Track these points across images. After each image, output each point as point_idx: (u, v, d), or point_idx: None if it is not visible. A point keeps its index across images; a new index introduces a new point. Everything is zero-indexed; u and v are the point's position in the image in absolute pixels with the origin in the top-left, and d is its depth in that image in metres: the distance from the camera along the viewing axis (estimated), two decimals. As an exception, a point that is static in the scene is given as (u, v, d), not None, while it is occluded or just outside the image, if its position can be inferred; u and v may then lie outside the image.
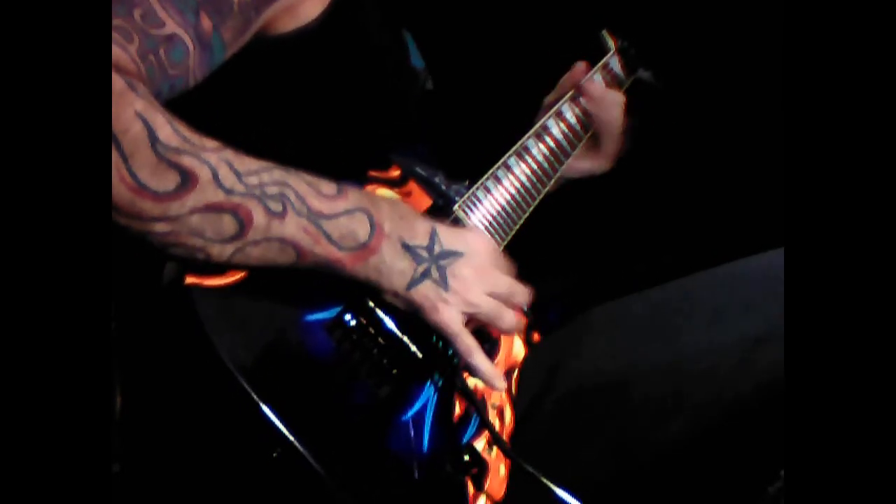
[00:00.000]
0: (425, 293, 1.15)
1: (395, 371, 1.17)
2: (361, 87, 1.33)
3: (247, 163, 1.03)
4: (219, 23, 1.09)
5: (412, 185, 1.32)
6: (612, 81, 1.66)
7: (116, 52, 0.99)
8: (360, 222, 1.09)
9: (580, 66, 1.60)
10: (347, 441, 1.10)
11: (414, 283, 1.14)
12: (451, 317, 1.16)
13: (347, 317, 1.16)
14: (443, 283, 1.15)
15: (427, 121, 1.50)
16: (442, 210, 1.31)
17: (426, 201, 1.31)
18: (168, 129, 0.98)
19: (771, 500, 1.34)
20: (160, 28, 1.04)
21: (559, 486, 1.15)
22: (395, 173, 1.31)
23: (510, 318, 1.22)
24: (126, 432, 1.10)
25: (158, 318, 1.09)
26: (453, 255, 1.16)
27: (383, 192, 1.27)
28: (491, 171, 1.41)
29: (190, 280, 1.06)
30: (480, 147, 1.47)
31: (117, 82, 0.96)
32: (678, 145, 1.95)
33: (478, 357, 1.19)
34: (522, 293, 1.24)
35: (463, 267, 1.17)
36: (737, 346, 1.30)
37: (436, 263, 1.15)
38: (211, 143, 1.01)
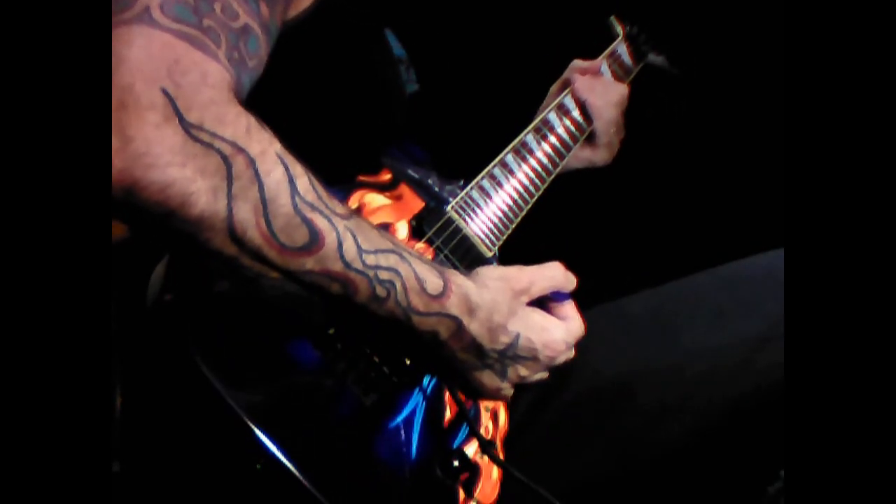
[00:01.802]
0: (480, 379, 1.17)
1: (382, 378, 1.16)
2: (348, 79, 1.31)
3: (370, 239, 1.02)
4: (272, 7, 1.07)
5: (403, 189, 1.31)
6: (620, 69, 1.63)
7: (212, 66, 0.94)
8: (446, 326, 1.10)
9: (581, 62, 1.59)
10: (335, 450, 1.09)
11: (473, 369, 1.16)
12: (498, 396, 1.20)
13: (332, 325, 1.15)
14: (502, 375, 1.17)
15: (420, 119, 1.48)
16: (434, 212, 1.30)
17: (418, 204, 1.30)
18: (306, 181, 0.97)
19: (771, 500, 1.34)
20: (237, 20, 1.00)
21: (549, 491, 1.15)
22: (386, 177, 1.30)
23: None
24: (126, 432, 1.10)
25: (144, 334, 1.09)
26: (523, 357, 1.16)
27: (372, 197, 1.26)
28: (486, 170, 1.39)
29: (173, 295, 1.05)
30: (477, 145, 1.45)
31: (249, 119, 0.94)
32: (679, 145, 1.95)
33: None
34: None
35: (527, 367, 1.18)
36: (737, 347, 1.29)
37: (502, 362, 1.16)
38: (341, 208, 1.01)
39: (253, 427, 1.01)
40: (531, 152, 1.45)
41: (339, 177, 1.23)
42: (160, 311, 1.04)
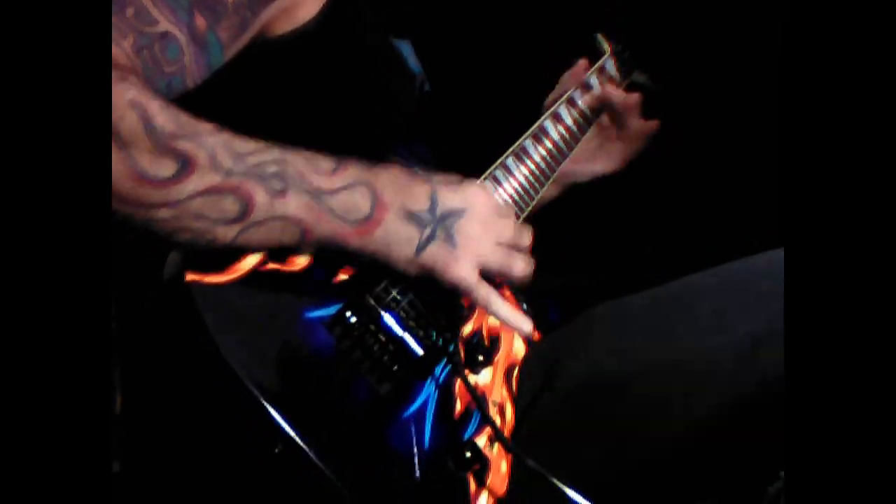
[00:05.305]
0: (435, 254, 1.15)
1: (395, 368, 1.18)
2: (357, 88, 1.34)
3: (244, 143, 1.04)
4: (213, 22, 1.10)
5: None
6: (609, 84, 1.68)
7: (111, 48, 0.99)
8: (361, 195, 1.10)
9: (582, 63, 1.65)
10: (349, 438, 1.10)
11: (422, 246, 1.14)
12: (465, 272, 1.17)
13: (348, 314, 1.17)
14: (450, 241, 1.16)
15: (425, 122, 1.52)
16: None
17: None
18: (163, 115, 0.99)
19: (771, 500, 1.34)
20: (153, 26, 1.04)
21: (561, 480, 1.15)
22: None
23: (521, 264, 1.23)
24: (126, 432, 1.10)
25: (159, 316, 1.10)
26: (455, 213, 1.16)
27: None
28: (488, 172, 1.43)
29: (190, 277, 1.06)
30: (478, 148, 1.48)
31: (113, 77, 0.96)
32: (679, 146, 1.96)
33: (497, 303, 1.20)
34: (527, 235, 1.25)
35: (467, 223, 1.17)
36: (737, 346, 1.29)
37: (441, 224, 1.15)
38: (207, 126, 1.02)
39: (271, 410, 1.02)
40: (531, 157, 1.49)
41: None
42: (178, 295, 1.05)
